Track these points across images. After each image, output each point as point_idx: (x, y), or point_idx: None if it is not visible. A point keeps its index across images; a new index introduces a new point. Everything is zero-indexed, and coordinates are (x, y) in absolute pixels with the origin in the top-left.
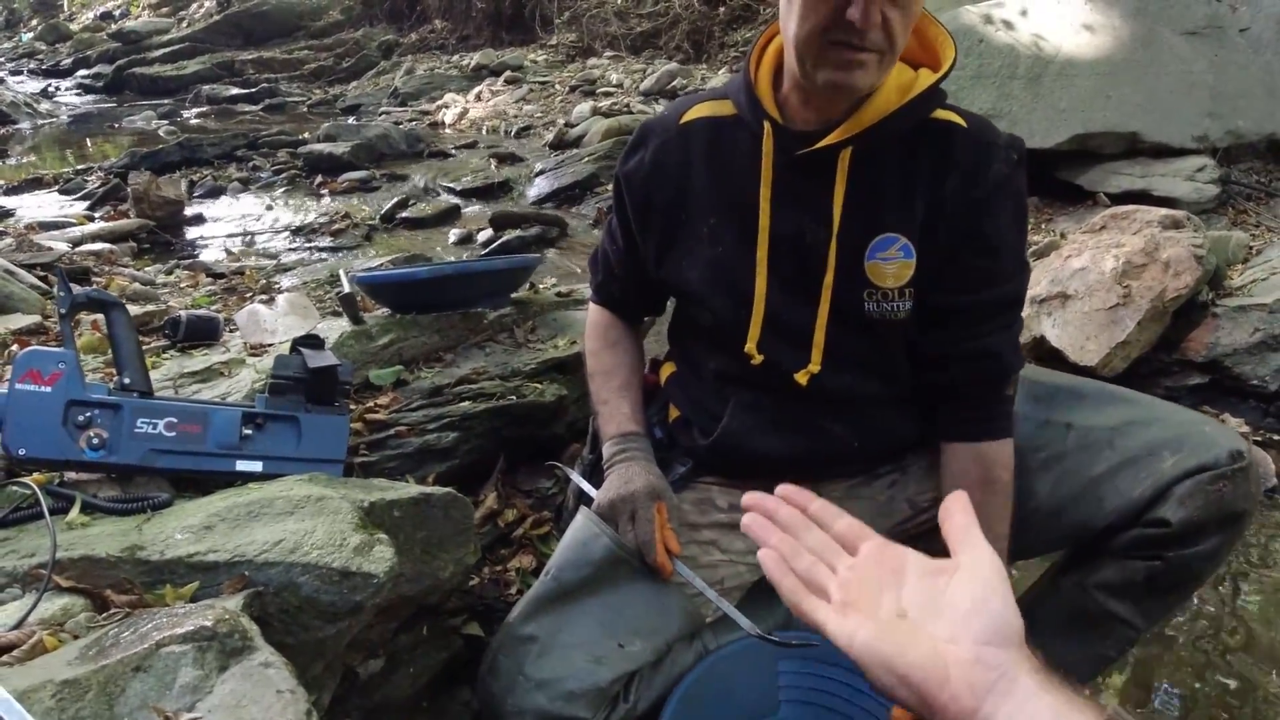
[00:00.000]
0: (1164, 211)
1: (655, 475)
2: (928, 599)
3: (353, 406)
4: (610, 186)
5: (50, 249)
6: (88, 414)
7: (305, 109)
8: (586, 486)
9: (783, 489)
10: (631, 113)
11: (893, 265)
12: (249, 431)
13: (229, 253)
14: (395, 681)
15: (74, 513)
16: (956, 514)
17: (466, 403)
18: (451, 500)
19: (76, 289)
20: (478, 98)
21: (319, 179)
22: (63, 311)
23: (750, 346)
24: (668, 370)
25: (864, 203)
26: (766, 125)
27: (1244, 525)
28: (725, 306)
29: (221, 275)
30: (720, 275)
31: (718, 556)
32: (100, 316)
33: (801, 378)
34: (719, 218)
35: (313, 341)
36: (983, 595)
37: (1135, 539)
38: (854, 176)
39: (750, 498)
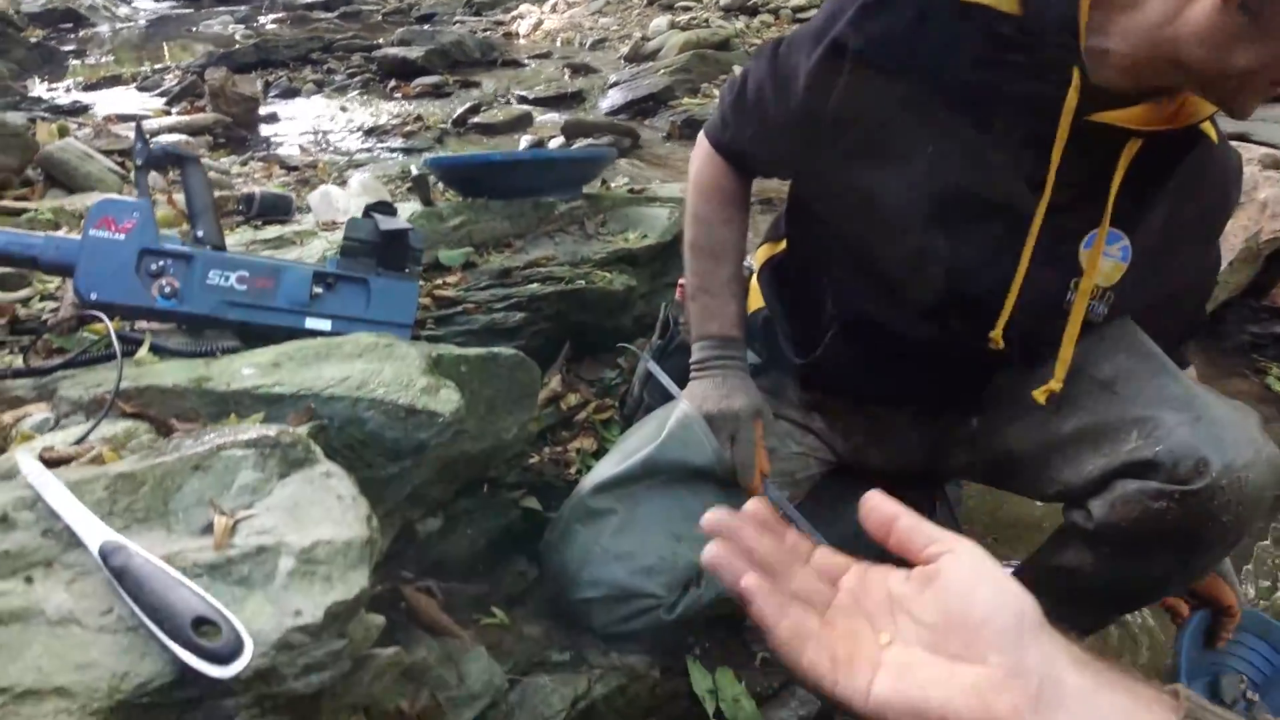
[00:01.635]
0: (1264, 150)
1: (754, 391)
2: (927, 622)
3: (421, 283)
4: (679, 100)
5: (127, 138)
6: (160, 263)
7: (380, 17)
8: (668, 382)
9: (753, 508)
10: (709, 27)
11: (1108, 263)
12: (319, 290)
13: (302, 149)
14: (453, 541)
15: (143, 351)
16: (899, 518)
17: (535, 285)
18: (519, 362)
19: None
20: (553, 9)
21: (392, 83)
22: (139, 163)
23: (998, 334)
24: (768, 252)
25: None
26: (1076, 74)
27: (1211, 549)
28: (945, 267)
29: (295, 168)
30: (949, 226)
31: (793, 449)
32: (176, 192)
33: (1041, 395)
34: (972, 151)
35: (386, 208)
36: (980, 593)
37: (1070, 527)
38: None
39: (714, 520)
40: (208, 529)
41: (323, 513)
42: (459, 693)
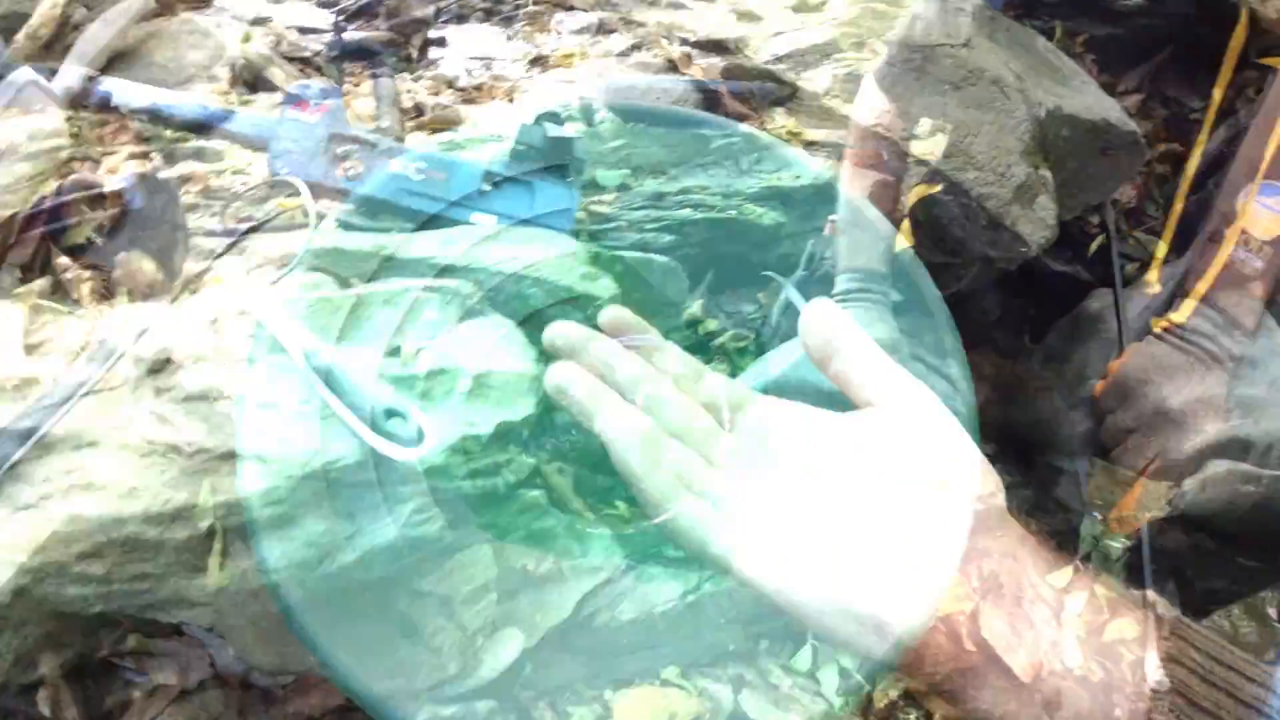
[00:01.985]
0: None
1: (894, 327)
2: (861, 482)
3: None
4: (843, 53)
5: (305, 49)
6: (347, 147)
7: None
8: (802, 305)
9: (613, 315)
10: None
11: (1266, 214)
12: (487, 188)
13: (468, 73)
14: (587, 436)
15: (328, 221)
16: (846, 344)
17: (686, 210)
18: (670, 270)
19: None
20: None
21: (558, 16)
22: (334, 54)
23: (1153, 275)
24: (922, 192)
25: None
26: (1244, 13)
27: None
28: None
29: (462, 89)
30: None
31: None
32: (353, 99)
33: (1159, 324)
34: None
35: (554, 117)
36: (936, 455)
37: (1170, 510)
38: None
39: (558, 331)
40: (394, 352)
41: (496, 350)
42: (581, 562)
